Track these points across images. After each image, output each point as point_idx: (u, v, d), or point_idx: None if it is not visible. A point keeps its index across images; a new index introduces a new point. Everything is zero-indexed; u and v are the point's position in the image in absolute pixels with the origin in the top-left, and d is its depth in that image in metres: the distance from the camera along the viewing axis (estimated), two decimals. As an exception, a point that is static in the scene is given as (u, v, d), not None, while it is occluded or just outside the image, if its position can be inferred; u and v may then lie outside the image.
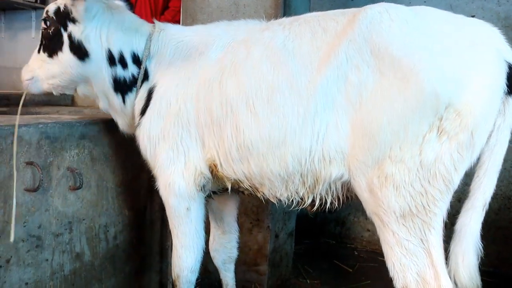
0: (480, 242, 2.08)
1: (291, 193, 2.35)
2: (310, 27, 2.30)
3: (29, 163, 2.45)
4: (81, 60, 2.65)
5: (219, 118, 2.40)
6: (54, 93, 2.80)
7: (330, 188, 2.26)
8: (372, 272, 4.40)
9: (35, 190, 2.45)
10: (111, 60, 2.66)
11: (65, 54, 2.65)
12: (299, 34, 2.31)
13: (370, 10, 2.10)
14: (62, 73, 2.69)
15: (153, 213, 3.33)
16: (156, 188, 2.69)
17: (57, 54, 2.66)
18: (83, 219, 2.79)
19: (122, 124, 2.84)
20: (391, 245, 2.02)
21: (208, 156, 2.49)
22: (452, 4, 4.75)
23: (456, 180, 1.95)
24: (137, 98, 2.69)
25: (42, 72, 2.72)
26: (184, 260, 2.63)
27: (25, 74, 2.76)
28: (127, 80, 2.69)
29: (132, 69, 2.69)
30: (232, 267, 3.12)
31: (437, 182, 1.93)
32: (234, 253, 3.09)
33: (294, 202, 2.39)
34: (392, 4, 2.11)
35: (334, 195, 2.29)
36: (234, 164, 2.41)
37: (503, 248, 4.45)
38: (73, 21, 2.63)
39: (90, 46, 2.63)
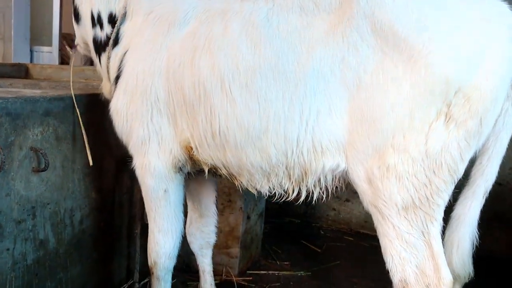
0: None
1: (274, 186, 2.18)
2: (299, 0, 2.08)
3: (-12, 143, 2.20)
4: (78, 24, 2.78)
5: (191, 99, 2.19)
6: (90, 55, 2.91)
7: (320, 180, 2.10)
8: (340, 252, 4.37)
9: (-5, 173, 2.20)
10: (92, 21, 2.61)
11: (73, 20, 2.81)
12: (285, 8, 2.08)
13: None
14: (78, 38, 2.89)
15: (121, 195, 3.12)
16: (130, 168, 2.51)
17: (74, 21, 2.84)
18: (48, 204, 2.56)
19: (102, 87, 2.70)
20: (390, 238, 1.91)
21: (183, 138, 2.29)
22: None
23: (462, 170, 1.85)
24: (110, 62, 2.51)
25: (77, 38, 2.93)
26: (162, 246, 2.46)
27: (75, 42, 3.00)
28: (102, 40, 2.59)
29: (107, 29, 2.57)
30: (209, 252, 2.97)
31: (442, 173, 1.82)
32: (212, 238, 2.93)
33: (276, 195, 2.22)
34: None
35: (323, 187, 2.13)
36: (210, 150, 2.22)
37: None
38: None
39: (81, 9, 2.68)
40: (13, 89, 2.74)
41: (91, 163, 2.62)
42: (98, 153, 2.84)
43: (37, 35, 7.35)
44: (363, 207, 5.06)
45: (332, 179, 2.07)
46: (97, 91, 2.81)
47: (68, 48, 8.92)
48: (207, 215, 2.87)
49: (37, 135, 2.45)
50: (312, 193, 2.13)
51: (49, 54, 7.26)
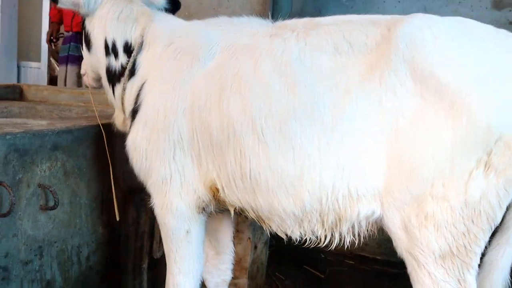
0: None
1: (305, 232, 2.07)
2: (333, 39, 1.97)
3: (-4, 183, 2.07)
4: (88, 51, 2.66)
5: (219, 140, 2.07)
6: (96, 85, 2.82)
7: (354, 226, 2.00)
8: (343, 277, 4.30)
9: (5, 215, 2.08)
10: (106, 49, 2.49)
11: (84, 47, 2.69)
12: (318, 47, 1.98)
13: (408, 24, 1.84)
14: (86, 66, 2.76)
15: (128, 227, 2.99)
16: (135, 199, 2.40)
17: (83, 48, 2.72)
18: (55, 242, 2.43)
19: (115, 118, 2.59)
20: (426, 286, 1.83)
21: (208, 179, 2.17)
22: (427, 6, 4.67)
23: (499, 218, 1.79)
24: (126, 94, 2.40)
25: (85, 66, 2.79)
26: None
27: (81, 69, 2.86)
28: (116, 70, 2.47)
29: (122, 58, 2.45)
30: None
31: (480, 221, 1.75)
32: (228, 275, 2.81)
33: (307, 241, 2.12)
34: (431, 17, 1.89)
35: (356, 233, 2.03)
36: (238, 192, 2.11)
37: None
38: (86, 14, 2.57)
39: (93, 35, 2.56)
40: (18, 120, 2.61)
41: (118, 218, 2.58)
42: (105, 185, 2.73)
43: (24, 51, 7.18)
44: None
45: (366, 225, 1.99)
46: (105, 120, 2.70)
47: (53, 61, 8.71)
48: (224, 252, 2.75)
49: (45, 171, 2.33)
50: (344, 238, 2.03)
51: (37, 70, 7.08)
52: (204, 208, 2.25)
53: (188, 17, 3.10)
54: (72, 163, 2.49)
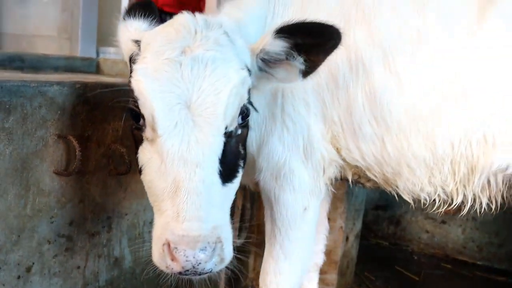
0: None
1: (435, 188, 1.75)
2: None
3: (61, 137, 1.78)
4: None
5: (346, 80, 1.78)
6: None
7: (489, 183, 1.67)
8: (440, 281, 3.76)
9: (69, 174, 1.78)
10: None
11: None
12: None
13: None
14: None
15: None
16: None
17: None
18: (126, 214, 2.12)
19: None
20: None
21: (331, 135, 1.85)
22: None
23: None
24: None
25: None
26: (286, 278, 1.94)
27: None
28: None
29: None
30: (316, 276, 2.44)
31: None
32: (320, 258, 2.41)
33: (436, 201, 1.80)
34: None
35: (492, 195, 1.71)
36: (363, 143, 1.80)
37: None
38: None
39: None
40: (92, 76, 2.33)
41: None
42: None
43: (104, 36, 7.07)
44: (461, 230, 4.35)
45: (503, 184, 1.67)
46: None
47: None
48: (318, 231, 2.32)
49: (117, 130, 2.02)
50: (480, 201, 1.72)
51: (116, 55, 6.95)
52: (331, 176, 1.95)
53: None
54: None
